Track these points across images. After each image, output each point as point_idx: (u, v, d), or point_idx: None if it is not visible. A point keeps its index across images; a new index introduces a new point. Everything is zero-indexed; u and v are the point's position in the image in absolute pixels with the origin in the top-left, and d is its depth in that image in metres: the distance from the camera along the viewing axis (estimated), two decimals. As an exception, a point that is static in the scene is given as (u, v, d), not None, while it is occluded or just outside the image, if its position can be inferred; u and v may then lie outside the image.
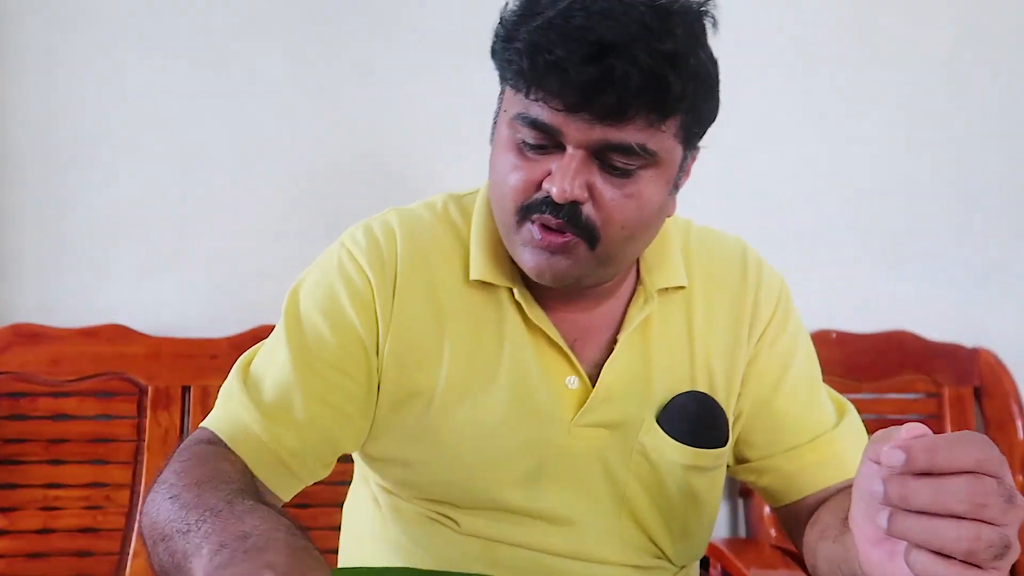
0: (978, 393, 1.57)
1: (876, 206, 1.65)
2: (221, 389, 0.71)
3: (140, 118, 1.48)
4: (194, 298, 1.52)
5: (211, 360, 1.46)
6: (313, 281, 0.74)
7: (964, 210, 1.67)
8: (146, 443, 1.40)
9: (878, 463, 0.48)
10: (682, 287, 0.76)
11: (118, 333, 1.43)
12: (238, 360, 0.73)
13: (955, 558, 0.43)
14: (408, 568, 0.71)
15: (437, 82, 1.52)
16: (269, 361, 0.70)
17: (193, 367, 1.45)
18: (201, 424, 0.68)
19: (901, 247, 1.66)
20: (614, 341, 0.74)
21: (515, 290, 0.72)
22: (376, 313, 0.71)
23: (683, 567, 0.80)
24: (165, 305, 1.50)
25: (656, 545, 0.77)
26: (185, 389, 1.44)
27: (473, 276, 0.72)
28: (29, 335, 1.40)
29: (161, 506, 0.56)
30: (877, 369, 1.54)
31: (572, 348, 0.73)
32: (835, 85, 1.62)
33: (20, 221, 1.47)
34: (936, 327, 1.60)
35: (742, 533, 1.54)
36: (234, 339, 1.46)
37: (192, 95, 1.49)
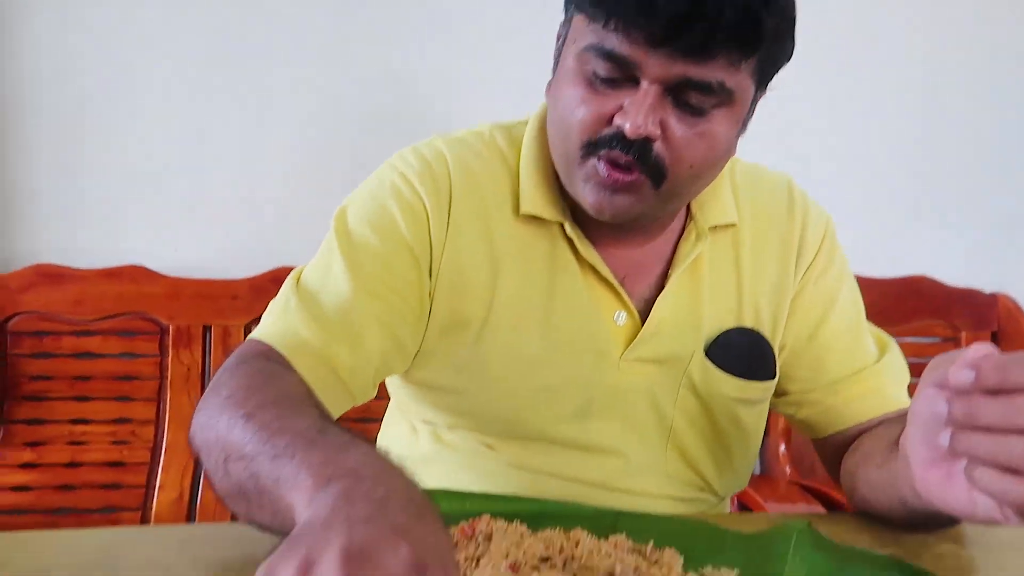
0: (996, 338, 1.58)
1: (897, 153, 1.64)
2: (272, 303, 0.69)
3: (159, 62, 1.46)
4: (213, 240, 1.52)
5: (232, 300, 1.46)
6: (363, 202, 0.72)
7: (984, 157, 1.66)
8: (168, 381, 1.42)
9: (938, 387, 0.49)
10: (732, 224, 0.75)
11: (139, 274, 1.43)
12: (289, 275, 0.71)
13: (1021, 473, 0.44)
14: (458, 491, 0.70)
15: (455, 37, 1.50)
16: (324, 277, 0.68)
17: (213, 307, 1.45)
18: (252, 336, 0.66)
19: (922, 193, 1.66)
20: (663, 277, 0.74)
21: (566, 225, 0.71)
22: (430, 234, 0.70)
23: (723, 499, 0.82)
24: (185, 247, 1.50)
25: (701, 478, 0.78)
26: (206, 328, 1.45)
27: (524, 210, 0.71)
28: (52, 275, 1.40)
29: (233, 424, 0.53)
30: (896, 314, 1.55)
31: (622, 284, 0.72)
32: (862, 40, 1.60)
33: (41, 164, 1.46)
34: (955, 273, 1.60)
35: (757, 470, 1.57)
36: (254, 280, 1.46)
37: (214, 40, 1.47)
